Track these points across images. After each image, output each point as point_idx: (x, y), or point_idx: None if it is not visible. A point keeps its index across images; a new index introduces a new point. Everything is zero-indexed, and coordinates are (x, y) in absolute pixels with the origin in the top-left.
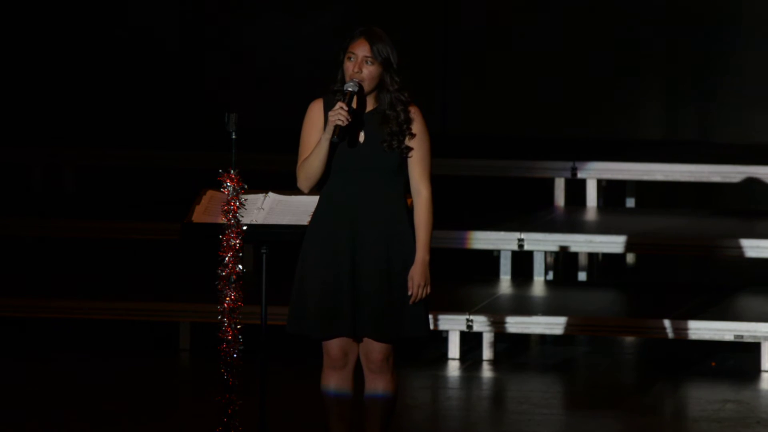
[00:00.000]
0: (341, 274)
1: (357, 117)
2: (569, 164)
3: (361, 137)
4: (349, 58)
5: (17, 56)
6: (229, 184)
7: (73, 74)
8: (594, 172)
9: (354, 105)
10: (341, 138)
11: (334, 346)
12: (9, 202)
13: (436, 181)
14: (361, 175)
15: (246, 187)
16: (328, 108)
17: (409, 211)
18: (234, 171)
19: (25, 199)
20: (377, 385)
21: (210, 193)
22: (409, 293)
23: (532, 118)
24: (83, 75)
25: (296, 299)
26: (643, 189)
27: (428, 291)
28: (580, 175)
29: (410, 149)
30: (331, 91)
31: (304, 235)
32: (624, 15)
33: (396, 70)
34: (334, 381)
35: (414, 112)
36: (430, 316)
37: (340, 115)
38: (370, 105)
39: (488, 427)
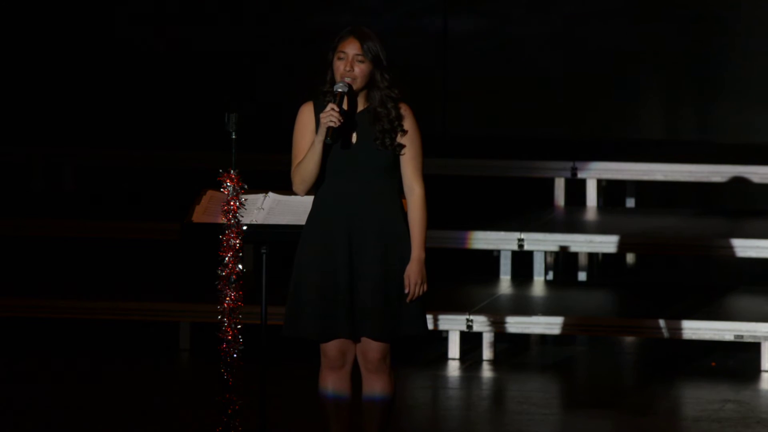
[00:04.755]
0: (338, 275)
1: (349, 117)
2: (569, 164)
3: (354, 138)
4: (340, 58)
5: (17, 56)
6: (229, 184)
7: (73, 74)
8: (594, 172)
9: (345, 106)
10: (334, 140)
11: (331, 347)
12: (9, 202)
13: (436, 180)
14: (356, 175)
15: (246, 187)
16: (318, 110)
17: (405, 210)
18: (234, 171)
19: (25, 199)
20: (375, 385)
21: (210, 193)
22: (406, 291)
23: (532, 118)
24: (83, 75)
25: (292, 302)
26: (643, 189)
27: (425, 289)
28: (580, 175)
29: (403, 146)
30: (320, 92)
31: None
32: (623, 15)
33: (386, 68)
34: (332, 382)
35: (405, 110)
36: (431, 316)
37: (331, 116)
38: (361, 105)
39: (488, 427)
